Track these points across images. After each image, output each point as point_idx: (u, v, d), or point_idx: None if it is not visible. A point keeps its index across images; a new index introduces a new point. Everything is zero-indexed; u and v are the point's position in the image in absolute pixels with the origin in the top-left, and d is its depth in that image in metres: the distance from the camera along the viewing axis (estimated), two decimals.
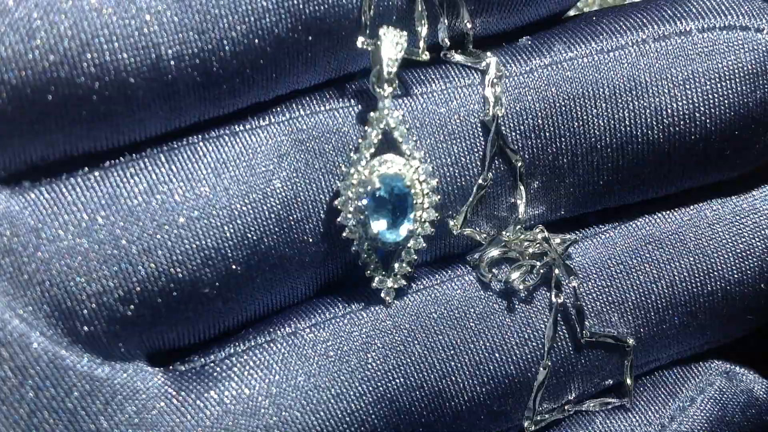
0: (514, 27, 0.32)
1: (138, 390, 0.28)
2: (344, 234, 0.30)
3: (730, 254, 0.33)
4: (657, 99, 0.31)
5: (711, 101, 0.31)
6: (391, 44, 0.29)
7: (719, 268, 0.33)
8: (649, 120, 0.31)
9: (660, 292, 0.33)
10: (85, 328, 0.27)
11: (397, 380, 0.31)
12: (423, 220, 0.30)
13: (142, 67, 0.26)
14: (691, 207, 0.34)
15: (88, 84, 0.26)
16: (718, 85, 0.31)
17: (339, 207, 0.29)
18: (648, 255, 0.33)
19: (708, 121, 0.32)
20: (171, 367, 0.29)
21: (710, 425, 0.35)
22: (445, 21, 0.30)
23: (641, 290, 0.33)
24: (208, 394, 0.29)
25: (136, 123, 0.27)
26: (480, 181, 0.31)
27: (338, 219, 0.29)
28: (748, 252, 0.34)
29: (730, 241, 0.34)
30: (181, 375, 0.29)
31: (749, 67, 0.32)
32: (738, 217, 0.34)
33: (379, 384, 0.30)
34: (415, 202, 0.30)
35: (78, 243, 0.27)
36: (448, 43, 0.30)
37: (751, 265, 0.34)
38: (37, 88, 0.26)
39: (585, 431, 0.34)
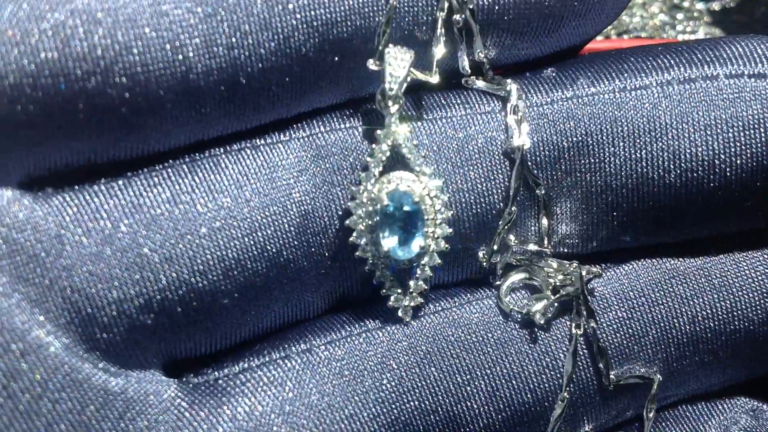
0: (537, 56, 0.32)
1: (151, 403, 0.28)
2: (357, 253, 0.30)
3: (756, 293, 0.33)
4: (676, 142, 0.31)
5: (732, 149, 0.31)
6: (395, 62, 0.29)
7: (743, 306, 0.33)
8: (666, 163, 0.31)
9: (682, 327, 0.33)
10: (105, 335, 0.27)
11: (412, 403, 0.30)
12: (436, 236, 0.30)
13: (172, 79, 0.27)
14: (719, 242, 0.33)
15: (118, 94, 0.26)
16: (741, 134, 0.31)
17: (351, 226, 0.30)
18: (671, 289, 0.33)
19: (728, 169, 0.31)
20: (185, 379, 0.29)
21: None
22: (464, 48, 0.31)
23: (662, 324, 0.32)
24: (221, 410, 0.29)
25: (163, 134, 0.28)
26: (506, 213, 0.31)
27: (350, 239, 0.30)
28: None
29: (756, 279, 0.33)
30: (195, 388, 0.29)
31: None
32: (766, 256, 0.33)
33: (393, 406, 0.30)
34: (426, 217, 0.30)
35: (100, 250, 0.27)
36: (468, 70, 0.31)
37: None
38: (69, 97, 0.26)
39: None
